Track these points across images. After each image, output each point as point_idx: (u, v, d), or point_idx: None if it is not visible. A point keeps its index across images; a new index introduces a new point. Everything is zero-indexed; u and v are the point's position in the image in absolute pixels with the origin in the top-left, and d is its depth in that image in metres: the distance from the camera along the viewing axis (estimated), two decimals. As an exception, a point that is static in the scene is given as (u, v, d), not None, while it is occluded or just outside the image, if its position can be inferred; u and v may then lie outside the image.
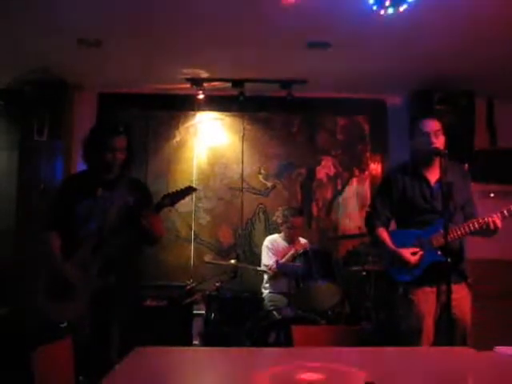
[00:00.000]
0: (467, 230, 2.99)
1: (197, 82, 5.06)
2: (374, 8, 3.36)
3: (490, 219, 2.94)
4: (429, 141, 3.06)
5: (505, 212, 2.95)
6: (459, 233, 2.99)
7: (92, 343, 2.86)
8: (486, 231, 2.97)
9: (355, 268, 4.69)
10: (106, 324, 2.93)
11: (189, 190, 3.09)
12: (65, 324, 2.85)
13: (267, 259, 4.80)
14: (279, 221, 4.93)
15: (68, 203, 3.03)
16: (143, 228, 2.91)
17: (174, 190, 3.09)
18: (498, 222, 2.94)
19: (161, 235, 3.15)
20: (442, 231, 2.85)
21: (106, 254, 2.93)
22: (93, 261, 2.92)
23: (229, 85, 5.08)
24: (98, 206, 3.00)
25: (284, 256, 4.66)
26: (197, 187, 3.45)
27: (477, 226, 2.97)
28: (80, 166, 3.27)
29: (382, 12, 3.37)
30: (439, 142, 3.07)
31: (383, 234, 3.19)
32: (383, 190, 3.30)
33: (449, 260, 2.78)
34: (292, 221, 4.80)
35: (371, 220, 3.27)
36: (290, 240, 4.84)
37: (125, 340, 2.92)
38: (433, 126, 3.10)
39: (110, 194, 3.03)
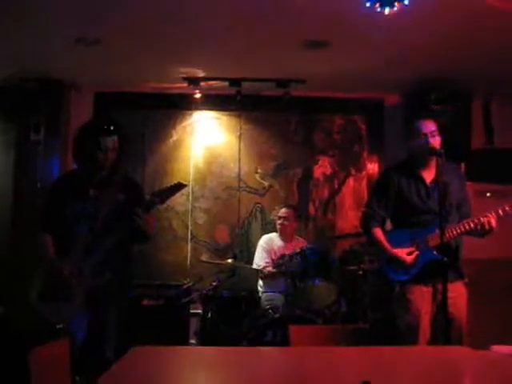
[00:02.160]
0: (462, 229, 3.01)
1: (194, 80, 5.03)
2: (368, 5, 3.34)
3: (486, 219, 2.95)
4: (426, 142, 3.09)
5: (500, 212, 2.97)
6: (454, 232, 3.00)
7: (88, 343, 2.86)
8: (481, 231, 2.99)
9: (352, 267, 4.69)
10: (102, 323, 2.93)
11: (178, 187, 2.99)
12: (61, 325, 2.84)
13: (260, 259, 4.82)
14: (275, 218, 4.99)
15: (60, 204, 3.02)
16: (135, 226, 2.88)
17: (162, 187, 3.04)
18: (493, 222, 2.95)
19: (153, 233, 3.14)
20: (437, 231, 2.86)
21: (100, 253, 2.91)
22: (86, 261, 2.91)
23: (226, 84, 5.06)
24: (89, 206, 2.98)
25: (280, 255, 4.65)
26: (193, 186, 3.41)
27: (472, 225, 2.99)
28: (77, 165, 3.26)
29: (378, 9, 3.36)
30: (435, 142, 3.11)
31: (379, 233, 3.20)
32: (379, 189, 3.32)
33: (445, 259, 2.80)
34: (281, 212, 4.87)
35: (367, 220, 3.28)
36: (285, 237, 4.86)
37: (121, 339, 2.92)
38: (430, 126, 3.15)
39: (101, 192, 3.02)
